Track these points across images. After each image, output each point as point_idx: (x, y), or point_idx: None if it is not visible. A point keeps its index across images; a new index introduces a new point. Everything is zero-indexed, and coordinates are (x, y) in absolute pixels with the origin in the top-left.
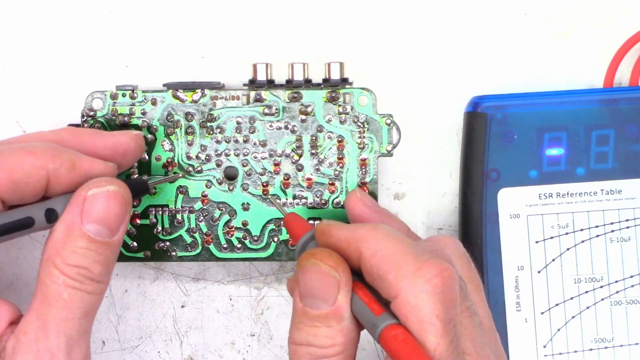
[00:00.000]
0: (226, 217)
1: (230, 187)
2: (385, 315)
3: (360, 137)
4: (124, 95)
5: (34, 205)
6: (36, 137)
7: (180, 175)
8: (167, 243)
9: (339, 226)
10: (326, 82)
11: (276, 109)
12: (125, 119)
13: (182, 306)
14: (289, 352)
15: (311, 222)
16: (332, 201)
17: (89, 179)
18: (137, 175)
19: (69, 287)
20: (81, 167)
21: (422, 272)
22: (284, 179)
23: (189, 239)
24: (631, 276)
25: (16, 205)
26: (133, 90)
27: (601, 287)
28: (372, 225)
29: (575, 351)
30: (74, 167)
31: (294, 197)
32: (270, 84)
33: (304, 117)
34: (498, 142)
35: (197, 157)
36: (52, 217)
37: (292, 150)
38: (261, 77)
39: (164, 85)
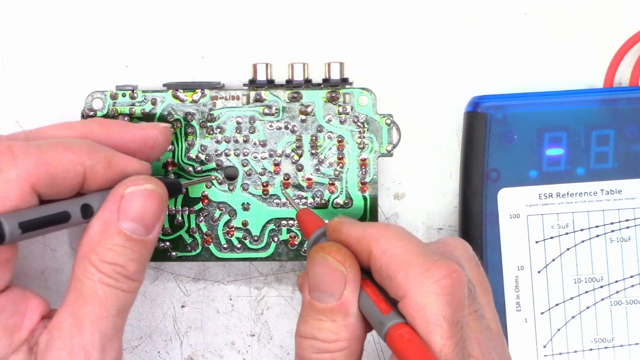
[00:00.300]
0: (226, 217)
1: (230, 187)
2: (392, 314)
3: (360, 137)
4: (124, 95)
5: (70, 201)
6: (65, 127)
7: (213, 177)
8: (167, 243)
9: (350, 224)
10: (326, 82)
11: (276, 109)
12: (125, 119)
13: (182, 306)
14: (295, 344)
15: None
16: (332, 201)
17: (125, 177)
18: None
19: (104, 284)
20: (117, 164)
21: (431, 273)
22: (284, 179)
23: (189, 239)
24: (631, 276)
25: (50, 201)
26: (133, 90)
27: (601, 287)
28: (383, 224)
29: (575, 351)
30: (111, 164)
31: (294, 197)
32: (270, 84)
33: (304, 117)
34: (498, 142)
35: (197, 158)
36: (87, 212)
37: (292, 150)
38: (261, 77)
39: (164, 85)
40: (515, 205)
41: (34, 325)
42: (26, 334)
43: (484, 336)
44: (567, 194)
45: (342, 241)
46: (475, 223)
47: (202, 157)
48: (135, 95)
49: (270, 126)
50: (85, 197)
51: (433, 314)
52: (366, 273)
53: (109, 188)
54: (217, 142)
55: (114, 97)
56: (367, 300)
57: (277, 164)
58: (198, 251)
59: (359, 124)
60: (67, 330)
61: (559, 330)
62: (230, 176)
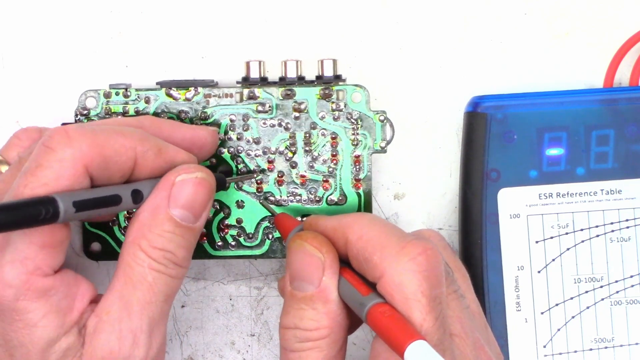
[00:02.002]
0: (220, 215)
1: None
2: (372, 295)
3: (353, 134)
4: (117, 93)
5: (121, 186)
6: (117, 122)
7: (255, 175)
8: None
9: (326, 217)
10: (319, 79)
11: (269, 107)
12: (119, 117)
13: (182, 306)
14: (279, 337)
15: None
16: (326, 198)
17: (173, 167)
18: None
19: (153, 270)
20: (167, 153)
21: (406, 251)
22: (278, 176)
23: None
24: (631, 276)
25: (101, 187)
26: (126, 89)
27: (601, 287)
28: (357, 213)
29: (575, 351)
30: (161, 152)
31: (288, 195)
32: (263, 81)
33: (297, 114)
34: (498, 142)
35: None
36: (137, 198)
37: (286, 147)
38: (254, 74)
39: (157, 83)
40: (515, 205)
41: (84, 308)
42: (77, 316)
43: (465, 315)
44: (567, 194)
45: (319, 232)
46: (475, 223)
47: None
48: (129, 93)
49: (264, 123)
50: (136, 183)
51: (411, 290)
52: (345, 263)
53: (159, 176)
54: None
55: (107, 95)
56: (347, 286)
57: (271, 162)
58: None
59: (353, 120)
60: (116, 314)
61: (559, 330)
62: (224, 174)
